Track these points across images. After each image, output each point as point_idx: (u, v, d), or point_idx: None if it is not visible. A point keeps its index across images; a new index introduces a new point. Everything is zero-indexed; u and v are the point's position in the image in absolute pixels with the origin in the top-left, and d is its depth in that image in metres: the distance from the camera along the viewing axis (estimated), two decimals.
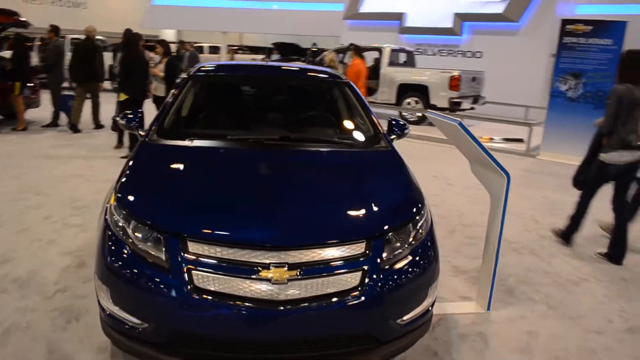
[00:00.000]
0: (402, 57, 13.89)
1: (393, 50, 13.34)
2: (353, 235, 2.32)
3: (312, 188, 2.70)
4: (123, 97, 6.93)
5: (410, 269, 2.38)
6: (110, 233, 2.39)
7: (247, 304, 2.11)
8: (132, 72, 6.82)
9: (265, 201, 2.47)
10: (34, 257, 3.75)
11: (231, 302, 2.11)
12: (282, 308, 2.12)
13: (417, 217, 2.55)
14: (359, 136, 3.50)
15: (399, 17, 16.98)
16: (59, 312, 3.03)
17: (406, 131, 3.75)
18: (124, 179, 2.66)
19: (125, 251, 2.29)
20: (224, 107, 3.83)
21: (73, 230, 4.33)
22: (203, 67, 3.86)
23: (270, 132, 3.39)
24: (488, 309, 3.34)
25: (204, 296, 2.11)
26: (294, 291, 2.14)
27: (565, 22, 8.82)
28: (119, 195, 2.50)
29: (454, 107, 12.03)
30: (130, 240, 2.30)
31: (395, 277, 2.32)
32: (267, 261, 2.16)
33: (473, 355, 2.84)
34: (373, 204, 2.53)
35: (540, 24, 14.63)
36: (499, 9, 15.09)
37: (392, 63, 13.26)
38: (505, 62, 14.80)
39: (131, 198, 2.49)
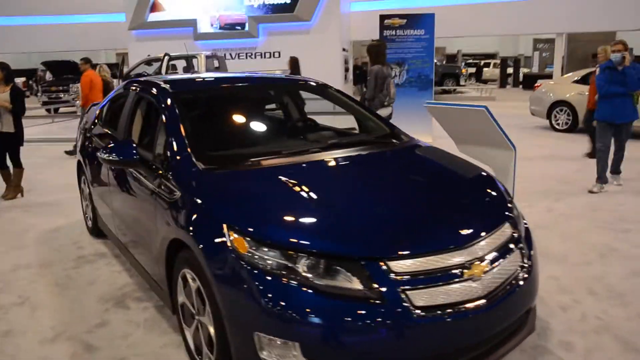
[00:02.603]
0: (216, 63, 13.69)
1: (207, 57, 13.05)
2: (501, 220, 2.45)
3: (426, 186, 2.70)
4: None
5: (530, 239, 2.62)
6: (268, 279, 2.03)
7: (462, 307, 2.07)
8: None
9: (415, 206, 2.42)
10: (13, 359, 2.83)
11: (451, 311, 2.04)
12: (489, 301, 2.13)
13: (512, 195, 2.79)
14: (389, 133, 3.47)
15: (191, 23, 16.62)
16: None
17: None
18: (238, 214, 2.26)
19: (306, 293, 1.99)
20: (240, 124, 3.43)
21: (20, 311, 3.35)
22: (178, 83, 3.42)
23: (304, 142, 3.20)
24: None
25: (428, 313, 2.00)
26: (491, 284, 2.18)
27: (383, 17, 9.90)
28: (259, 231, 2.14)
29: None
30: (310, 279, 2.00)
31: (531, 249, 2.53)
32: (464, 260, 2.14)
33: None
34: (487, 191, 2.67)
35: (329, 21, 15.99)
36: (291, 9, 15.96)
37: (208, 69, 12.98)
38: (303, 59, 15.75)
39: (285, 232, 2.14)
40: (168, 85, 3.35)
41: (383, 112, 5.67)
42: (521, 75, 27.28)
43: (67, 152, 9.02)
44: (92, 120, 4.68)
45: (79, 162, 4.83)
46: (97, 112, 4.67)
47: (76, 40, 19.01)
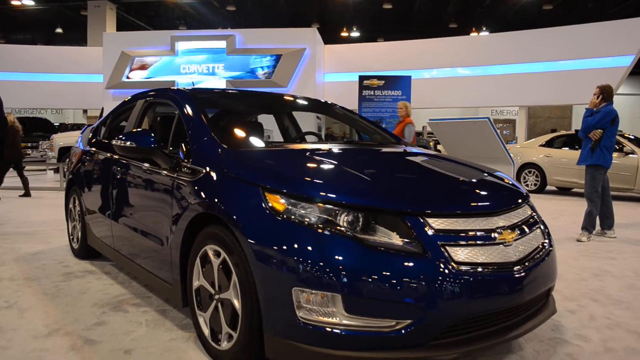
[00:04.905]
0: None
1: None
2: (523, 201, 2.55)
3: (451, 167, 2.83)
4: None
5: (546, 226, 2.70)
6: (306, 233, 2.03)
7: (497, 268, 2.10)
8: None
9: (445, 177, 2.56)
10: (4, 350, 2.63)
11: (487, 269, 2.06)
12: (521, 267, 2.17)
13: None
14: (396, 142, 3.61)
15: (170, 85, 16.95)
16: None
17: None
18: (272, 175, 2.29)
19: (347, 245, 1.99)
20: (254, 125, 3.51)
21: (8, 312, 3.13)
22: (200, 91, 3.55)
23: (322, 140, 3.29)
24: None
25: (468, 268, 2.02)
26: (521, 251, 2.23)
27: (362, 77, 10.40)
28: (295, 188, 2.16)
29: None
30: (350, 232, 2.01)
31: (549, 232, 2.62)
32: (495, 226, 2.20)
33: None
34: (504, 178, 2.79)
35: (305, 88, 16.59)
36: (268, 76, 16.58)
37: None
38: None
39: (322, 188, 2.16)
40: (197, 90, 3.48)
41: None
42: None
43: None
44: (86, 140, 4.65)
45: (70, 181, 4.74)
46: (90, 133, 4.68)
47: (48, 98, 18.99)
